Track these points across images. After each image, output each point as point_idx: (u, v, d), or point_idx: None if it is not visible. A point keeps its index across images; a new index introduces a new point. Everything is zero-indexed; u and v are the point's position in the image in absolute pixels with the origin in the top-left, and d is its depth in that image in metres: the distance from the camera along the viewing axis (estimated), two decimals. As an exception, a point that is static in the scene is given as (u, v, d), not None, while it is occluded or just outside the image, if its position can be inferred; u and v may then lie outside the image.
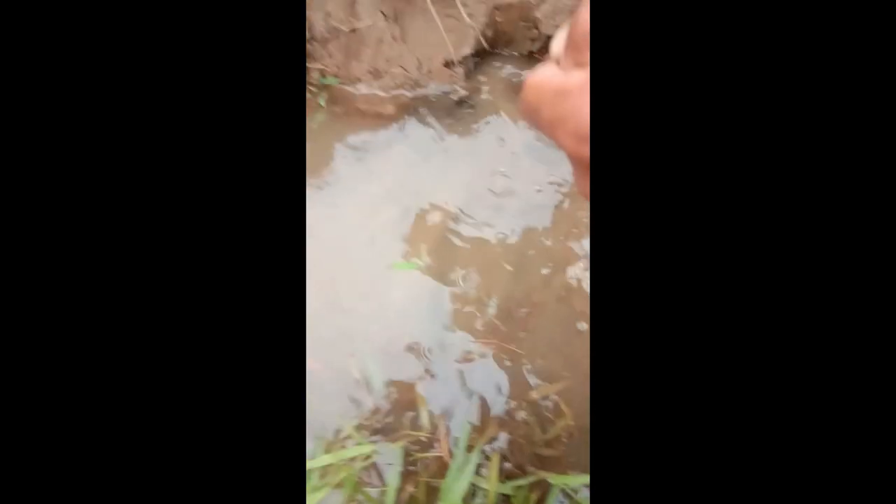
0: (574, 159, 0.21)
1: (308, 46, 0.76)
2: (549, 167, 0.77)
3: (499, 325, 0.69)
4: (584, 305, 0.70)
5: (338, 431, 0.62)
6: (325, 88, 0.81)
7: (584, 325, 0.69)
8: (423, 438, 0.63)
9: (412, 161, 0.79)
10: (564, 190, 0.76)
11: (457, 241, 0.73)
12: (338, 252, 0.72)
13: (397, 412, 0.65)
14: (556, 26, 0.80)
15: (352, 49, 0.79)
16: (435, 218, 0.75)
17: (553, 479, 0.57)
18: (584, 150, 0.19)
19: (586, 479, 0.57)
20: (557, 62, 0.21)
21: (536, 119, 0.22)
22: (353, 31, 0.77)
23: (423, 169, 0.78)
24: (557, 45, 0.22)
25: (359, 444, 0.58)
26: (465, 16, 0.76)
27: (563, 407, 0.65)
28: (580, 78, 0.19)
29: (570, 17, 0.21)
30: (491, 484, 0.58)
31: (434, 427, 0.64)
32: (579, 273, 0.72)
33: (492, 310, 0.70)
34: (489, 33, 0.82)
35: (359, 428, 0.61)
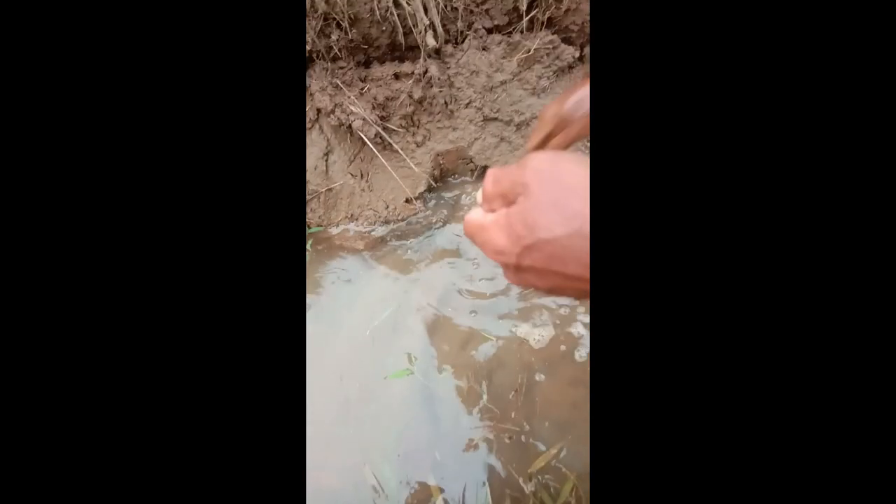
0: (500, 264, 0.29)
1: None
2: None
3: (493, 408, 0.78)
4: (569, 372, 0.80)
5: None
6: (311, 236, 0.98)
7: (572, 391, 0.78)
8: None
9: (392, 276, 0.93)
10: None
11: (443, 333, 0.85)
12: (340, 363, 0.82)
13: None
14: (488, 158, 1.03)
15: (330, 203, 0.98)
16: (420, 316, 0.87)
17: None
18: (501, 260, 0.28)
19: None
20: (481, 206, 0.31)
21: (473, 241, 0.31)
22: (330, 190, 0.97)
23: (401, 282, 0.93)
24: (479, 196, 0.32)
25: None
26: (413, 167, 0.97)
27: (565, 470, 0.72)
28: (493, 217, 0.29)
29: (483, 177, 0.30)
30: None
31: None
32: (562, 346, 0.84)
33: (485, 396, 0.79)
34: (436, 172, 1.04)
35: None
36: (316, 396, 0.77)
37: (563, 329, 0.84)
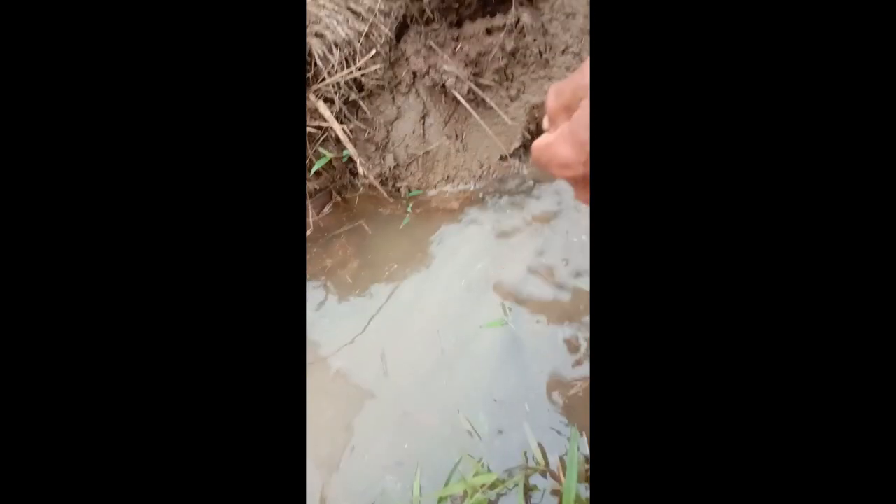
0: (568, 180, 0.29)
1: (396, 171, 1.01)
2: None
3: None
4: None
5: (459, 470, 0.68)
6: (412, 199, 1.03)
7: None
8: (539, 472, 0.66)
9: (486, 234, 0.93)
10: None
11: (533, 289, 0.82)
12: (440, 318, 0.85)
13: (510, 453, 0.69)
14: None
15: (427, 166, 1.02)
16: (507, 274, 0.86)
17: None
18: (569, 174, 0.27)
19: None
20: (548, 129, 0.30)
21: (541, 165, 0.31)
22: (427, 153, 1.01)
23: (494, 242, 0.92)
24: (546, 121, 0.32)
25: (482, 474, 0.63)
26: (508, 120, 0.96)
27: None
28: (558, 132, 0.28)
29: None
30: None
31: (546, 460, 0.67)
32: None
33: (583, 346, 0.75)
34: (532, 127, 1.01)
35: (479, 465, 0.66)
36: (418, 347, 0.82)
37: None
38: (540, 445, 0.68)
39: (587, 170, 0.26)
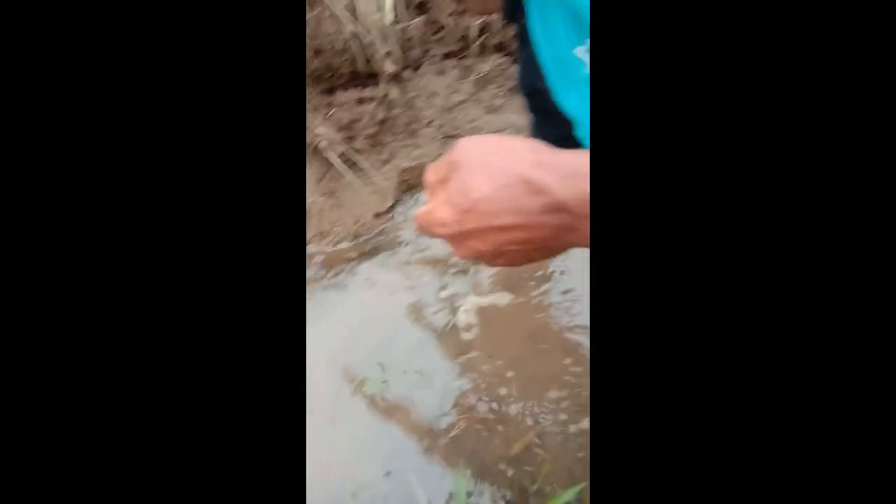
0: (447, 237, 0.31)
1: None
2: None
3: (467, 401, 0.80)
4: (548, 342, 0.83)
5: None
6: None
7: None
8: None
9: (370, 287, 0.96)
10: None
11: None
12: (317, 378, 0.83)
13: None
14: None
15: (301, 221, 1.02)
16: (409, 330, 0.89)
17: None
18: (447, 232, 0.30)
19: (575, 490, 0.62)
20: (427, 201, 0.34)
21: (423, 229, 0.34)
22: (300, 209, 1.01)
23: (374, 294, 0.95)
24: (426, 194, 0.35)
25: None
26: (381, 182, 1.03)
27: (539, 451, 0.73)
28: (434, 201, 0.31)
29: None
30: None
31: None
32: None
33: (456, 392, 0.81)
34: (402, 188, 1.10)
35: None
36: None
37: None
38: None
39: (462, 226, 0.29)
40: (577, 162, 0.27)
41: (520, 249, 0.30)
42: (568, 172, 0.27)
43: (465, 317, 0.90)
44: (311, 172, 1.01)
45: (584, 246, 0.28)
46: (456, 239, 0.31)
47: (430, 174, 0.33)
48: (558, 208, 0.27)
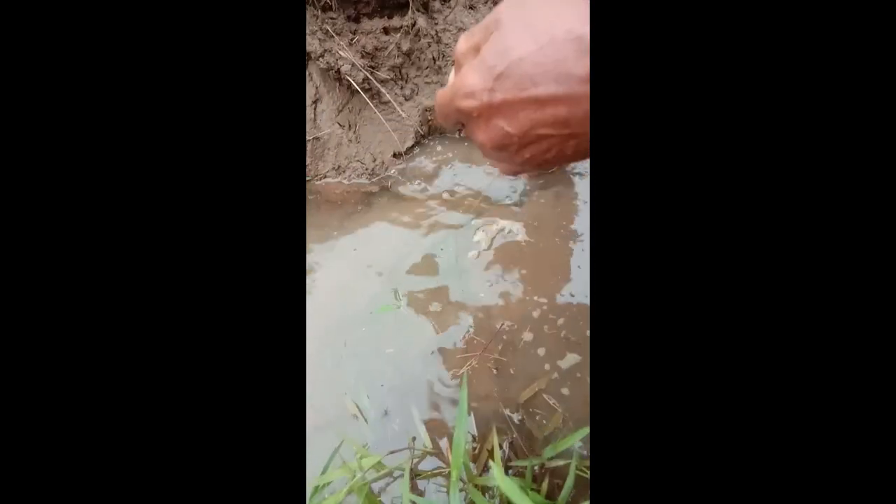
0: (468, 115, 0.27)
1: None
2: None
3: (479, 339, 0.75)
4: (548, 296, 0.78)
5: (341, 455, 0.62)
6: (298, 186, 0.98)
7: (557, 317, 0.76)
8: (428, 454, 0.64)
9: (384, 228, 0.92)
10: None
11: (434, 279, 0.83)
12: (329, 304, 0.80)
13: (399, 437, 0.66)
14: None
15: (317, 153, 0.98)
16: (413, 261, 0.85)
17: (548, 451, 0.59)
18: (473, 104, 0.26)
19: (581, 433, 0.58)
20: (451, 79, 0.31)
21: (444, 107, 0.30)
22: (317, 139, 0.97)
23: (393, 234, 0.92)
24: (451, 74, 0.33)
25: (366, 457, 0.59)
26: (402, 114, 0.98)
27: (552, 402, 0.69)
28: (465, 67, 0.27)
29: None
30: (499, 478, 0.58)
31: (435, 444, 0.65)
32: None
33: (469, 330, 0.77)
34: (424, 129, 1.05)
35: (364, 449, 0.62)
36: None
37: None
38: (428, 430, 0.66)
39: (491, 96, 0.25)
40: None
41: (555, 137, 0.25)
42: None
43: (484, 240, 0.85)
44: (332, 101, 0.97)
45: None
46: (481, 117, 0.26)
47: (462, 43, 0.29)
48: None
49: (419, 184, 0.98)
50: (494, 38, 0.25)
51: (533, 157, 0.26)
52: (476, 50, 0.27)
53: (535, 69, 0.23)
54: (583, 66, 0.22)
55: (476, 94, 0.26)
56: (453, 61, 0.30)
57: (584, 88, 0.22)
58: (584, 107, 0.22)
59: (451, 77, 0.31)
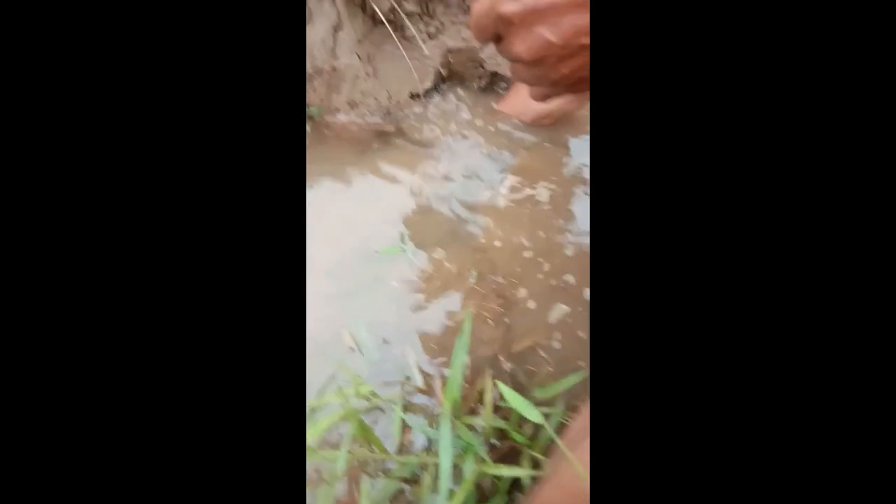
0: (509, 22, 0.26)
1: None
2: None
3: (478, 289, 0.76)
4: (554, 263, 0.79)
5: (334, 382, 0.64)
6: (310, 118, 0.95)
7: (553, 281, 0.78)
8: (420, 389, 0.66)
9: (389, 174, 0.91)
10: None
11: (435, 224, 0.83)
12: (338, 238, 0.80)
13: (392, 374, 0.68)
14: (498, 65, 1.00)
15: (332, 84, 0.95)
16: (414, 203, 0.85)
17: (538, 391, 0.61)
18: (516, 7, 0.25)
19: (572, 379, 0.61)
20: None
21: (482, 13, 0.28)
22: (333, 69, 0.93)
23: (404, 179, 0.90)
24: None
25: (360, 385, 0.61)
26: (426, 51, 0.94)
27: (542, 354, 0.71)
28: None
29: None
30: (487, 416, 0.61)
31: (427, 382, 0.67)
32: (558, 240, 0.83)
33: (471, 280, 0.78)
34: (444, 71, 1.01)
35: (357, 379, 0.64)
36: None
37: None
38: (422, 370, 0.68)
39: (535, 3, 0.24)
40: None
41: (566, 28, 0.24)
42: None
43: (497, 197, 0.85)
44: (353, 29, 0.92)
45: None
46: (522, 24, 0.25)
47: None
48: None
49: (432, 131, 0.96)
50: None
51: (571, 72, 0.26)
52: None
53: None
54: None
55: None
56: None
57: None
58: None
59: None
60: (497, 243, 0.81)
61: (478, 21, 0.28)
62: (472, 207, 0.86)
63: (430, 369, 0.69)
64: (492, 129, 0.96)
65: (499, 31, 0.28)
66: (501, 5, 0.26)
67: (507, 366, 0.70)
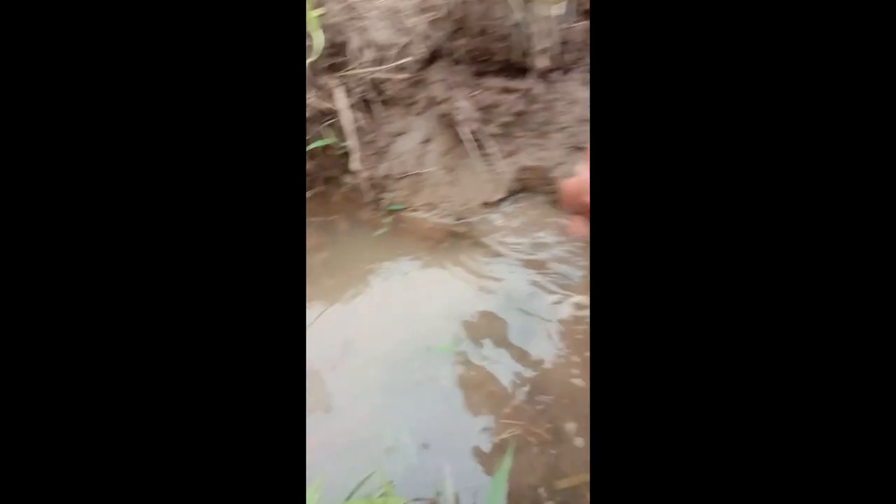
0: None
1: (385, 181, 1.03)
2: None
3: (525, 407, 0.74)
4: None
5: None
6: (392, 212, 1.04)
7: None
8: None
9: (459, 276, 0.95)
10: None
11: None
12: (393, 328, 0.83)
13: (425, 486, 0.66)
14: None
15: (416, 187, 1.05)
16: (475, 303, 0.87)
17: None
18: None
19: None
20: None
21: (569, 195, 0.45)
22: (419, 175, 1.04)
23: (469, 280, 0.94)
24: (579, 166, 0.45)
25: (389, 497, 0.59)
26: (500, 169, 1.02)
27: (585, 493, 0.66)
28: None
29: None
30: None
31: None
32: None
33: (521, 396, 0.76)
34: (516, 185, 1.08)
35: (389, 486, 0.62)
36: (364, 355, 0.78)
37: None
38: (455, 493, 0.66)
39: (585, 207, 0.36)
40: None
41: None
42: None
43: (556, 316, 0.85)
44: (441, 143, 1.03)
45: None
46: (583, 214, 0.43)
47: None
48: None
49: (501, 236, 1.00)
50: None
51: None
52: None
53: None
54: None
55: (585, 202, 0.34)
56: (582, 150, 0.37)
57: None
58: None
59: (581, 168, 0.38)
60: (547, 365, 0.80)
61: (566, 200, 0.45)
62: (530, 317, 0.86)
63: (464, 492, 0.66)
64: (560, 244, 0.99)
65: (582, 213, 0.38)
66: (586, 196, 0.38)
67: (546, 501, 0.66)
